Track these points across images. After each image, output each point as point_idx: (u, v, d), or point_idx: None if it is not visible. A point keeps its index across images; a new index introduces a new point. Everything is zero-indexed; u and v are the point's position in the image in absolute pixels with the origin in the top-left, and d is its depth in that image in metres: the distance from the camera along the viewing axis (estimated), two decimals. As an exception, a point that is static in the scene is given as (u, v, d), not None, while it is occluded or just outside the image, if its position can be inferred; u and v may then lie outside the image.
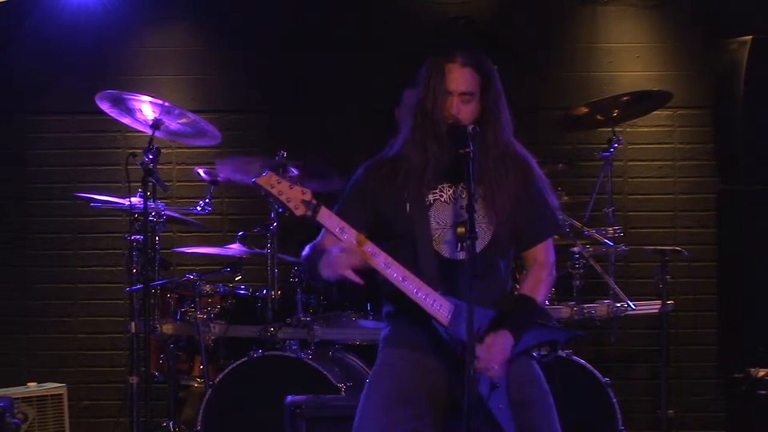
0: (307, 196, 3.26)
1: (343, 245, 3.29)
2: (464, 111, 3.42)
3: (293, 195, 3.25)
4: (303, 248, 3.62)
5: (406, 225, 3.42)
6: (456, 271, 3.37)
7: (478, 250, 3.23)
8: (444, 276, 3.37)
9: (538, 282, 3.54)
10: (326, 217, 3.28)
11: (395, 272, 3.30)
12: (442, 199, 3.46)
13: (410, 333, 3.43)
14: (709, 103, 6.24)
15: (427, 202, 3.45)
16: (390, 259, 3.31)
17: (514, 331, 3.37)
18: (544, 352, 3.51)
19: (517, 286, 3.68)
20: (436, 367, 3.39)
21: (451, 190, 3.46)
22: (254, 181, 3.28)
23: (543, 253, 3.58)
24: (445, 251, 3.42)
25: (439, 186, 3.46)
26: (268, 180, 3.26)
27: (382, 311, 3.59)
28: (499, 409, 3.34)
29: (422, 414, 3.36)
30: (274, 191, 3.25)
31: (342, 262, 3.30)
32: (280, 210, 3.28)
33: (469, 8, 6.36)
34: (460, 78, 3.41)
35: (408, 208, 3.43)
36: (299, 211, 3.26)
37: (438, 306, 3.32)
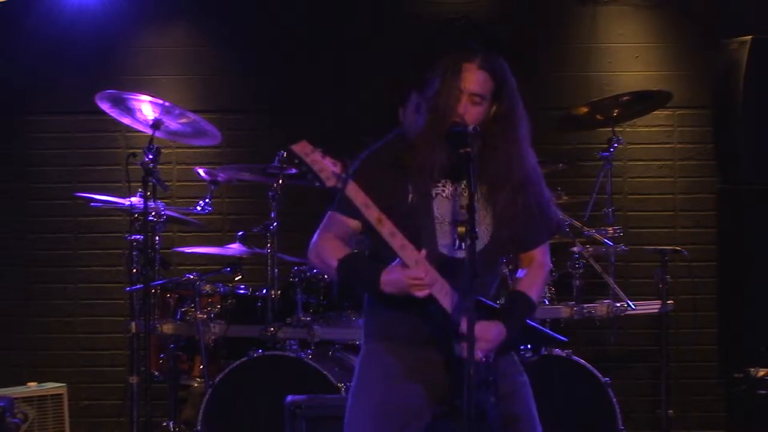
0: (338, 169, 3.25)
1: (409, 262, 3.23)
2: (471, 112, 3.40)
3: (325, 166, 3.25)
4: (309, 243, 3.55)
5: (407, 215, 3.40)
6: (453, 268, 3.36)
7: (477, 250, 3.23)
8: (441, 271, 3.36)
9: (534, 280, 3.54)
10: (354, 190, 3.26)
11: (409, 256, 3.29)
12: (444, 194, 3.46)
13: (400, 324, 3.41)
14: (709, 103, 6.23)
15: (431, 195, 3.44)
16: (406, 242, 3.29)
17: (507, 325, 3.38)
18: (529, 347, 3.51)
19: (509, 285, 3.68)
20: (431, 360, 3.38)
21: (453, 187, 3.46)
22: (290, 148, 3.28)
23: (540, 255, 3.59)
24: (441, 247, 3.42)
25: (442, 181, 3.46)
26: (302, 148, 3.27)
27: (367, 302, 3.53)
28: (489, 402, 3.34)
29: (416, 407, 3.36)
30: (308, 160, 3.25)
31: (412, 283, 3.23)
32: (310, 177, 3.26)
33: (469, 8, 6.36)
34: (473, 78, 3.40)
35: (410, 198, 3.42)
36: (330, 182, 3.24)
37: (444, 293, 3.32)
